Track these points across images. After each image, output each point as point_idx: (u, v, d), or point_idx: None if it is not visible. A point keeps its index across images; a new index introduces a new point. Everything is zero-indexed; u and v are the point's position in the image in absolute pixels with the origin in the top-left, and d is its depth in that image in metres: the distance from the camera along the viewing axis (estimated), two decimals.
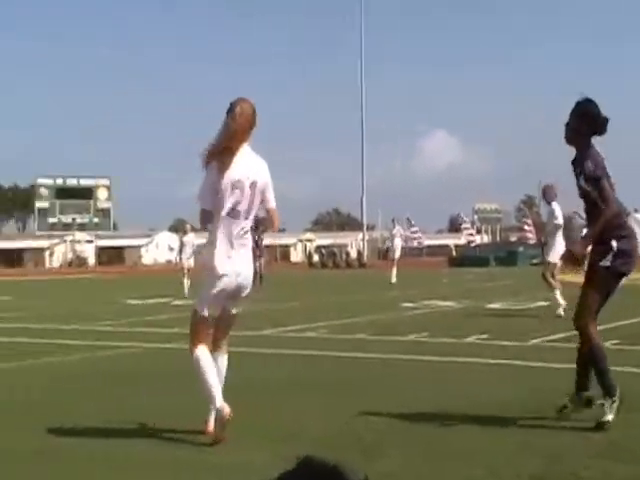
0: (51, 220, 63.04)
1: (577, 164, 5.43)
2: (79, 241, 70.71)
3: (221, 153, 5.03)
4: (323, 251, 65.66)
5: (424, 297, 18.65)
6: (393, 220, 27.91)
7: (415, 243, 58.03)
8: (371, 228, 74.77)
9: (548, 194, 13.43)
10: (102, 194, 65.20)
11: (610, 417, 5.17)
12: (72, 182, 63.99)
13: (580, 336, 5.51)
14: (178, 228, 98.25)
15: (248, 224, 5.20)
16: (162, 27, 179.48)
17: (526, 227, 48.75)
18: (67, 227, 64.35)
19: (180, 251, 22.63)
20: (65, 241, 71.46)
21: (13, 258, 75.11)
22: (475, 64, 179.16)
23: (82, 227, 65.51)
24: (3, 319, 15.30)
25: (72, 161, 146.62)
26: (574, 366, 5.63)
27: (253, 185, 5.11)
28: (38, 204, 62.85)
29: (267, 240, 29.86)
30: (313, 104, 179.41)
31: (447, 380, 7.48)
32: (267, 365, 8.69)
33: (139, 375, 8.19)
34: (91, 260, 72.49)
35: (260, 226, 6.16)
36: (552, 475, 4.30)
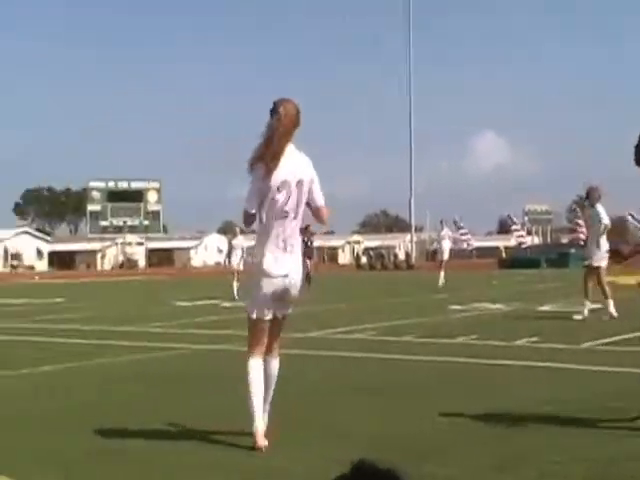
0: (103, 223, 64.07)
1: None
2: (130, 243, 71.69)
3: (266, 155, 5.02)
4: (371, 253, 65.57)
5: (473, 299, 18.46)
6: (441, 222, 27.65)
7: (464, 245, 57.53)
8: (419, 229, 74.36)
9: (592, 196, 13.19)
10: (152, 197, 66.05)
11: None
12: (123, 185, 64.97)
13: None
14: (227, 230, 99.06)
15: (297, 224, 5.16)
16: (198, 29, 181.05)
17: (578, 228, 47.97)
18: (118, 230, 65.34)
19: (229, 253, 22.67)
20: (116, 243, 72.51)
21: (66, 260, 76.48)
22: (525, 63, 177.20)
23: (133, 230, 66.46)
24: (56, 320, 15.56)
25: (123, 163, 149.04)
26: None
27: (299, 184, 5.08)
28: (90, 207, 63.95)
29: (315, 242, 29.86)
30: (361, 105, 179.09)
31: (497, 383, 7.38)
32: (314, 367, 8.68)
33: (189, 377, 8.25)
34: (141, 262, 73.43)
35: (309, 227, 6.16)
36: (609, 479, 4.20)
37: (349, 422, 5.69)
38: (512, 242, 60.62)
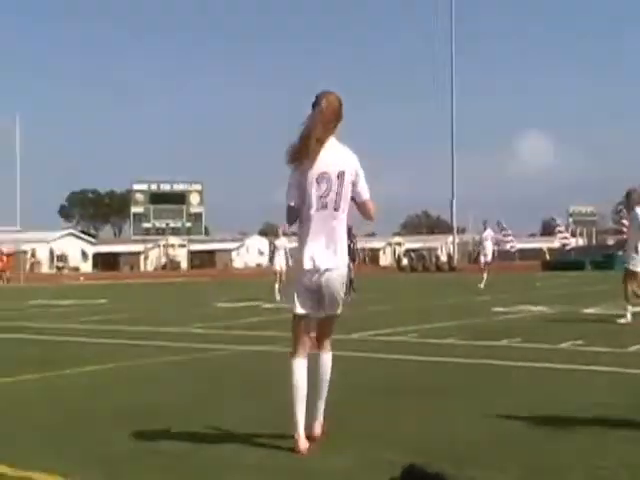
0: (146, 225, 64.72)
1: None
2: (172, 245, 72.33)
3: (305, 146, 4.89)
4: (412, 254, 65.29)
5: (516, 301, 18.27)
6: (484, 223, 27.39)
7: (507, 247, 57.02)
8: (461, 231, 73.85)
9: (631, 198, 12.90)
10: (194, 199, 66.57)
11: None
12: (166, 187, 65.56)
13: None
14: (268, 232, 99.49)
15: (339, 219, 4.98)
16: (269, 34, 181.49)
17: (624, 229, 47.24)
18: (161, 232, 65.94)
19: (272, 255, 22.59)
20: (159, 245, 73.23)
21: (110, 262, 77.47)
22: (572, 62, 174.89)
23: (175, 231, 67.02)
24: (100, 321, 15.75)
25: (166, 165, 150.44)
26: None
27: (341, 175, 4.92)
28: (134, 209, 64.64)
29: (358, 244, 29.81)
30: (402, 104, 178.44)
31: (542, 387, 7.27)
32: (355, 369, 8.64)
33: (231, 378, 8.28)
34: (183, 264, 74.05)
35: (351, 229, 6.03)
36: None
37: (390, 425, 5.65)
38: (556, 244, 59.95)
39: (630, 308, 12.80)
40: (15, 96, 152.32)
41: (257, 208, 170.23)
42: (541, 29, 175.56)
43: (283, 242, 22.05)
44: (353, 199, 5.06)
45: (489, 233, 26.76)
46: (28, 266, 60.52)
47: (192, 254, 75.31)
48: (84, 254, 78.57)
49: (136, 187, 65.16)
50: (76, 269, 69.80)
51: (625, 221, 47.40)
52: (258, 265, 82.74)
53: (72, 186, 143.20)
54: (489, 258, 25.94)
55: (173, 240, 71.21)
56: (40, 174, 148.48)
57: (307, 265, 4.97)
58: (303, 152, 4.91)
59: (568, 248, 54.20)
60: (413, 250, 72.74)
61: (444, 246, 77.05)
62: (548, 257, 55.92)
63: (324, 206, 4.93)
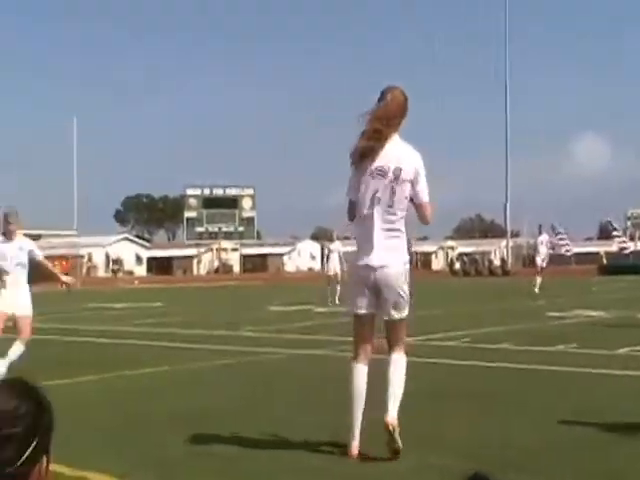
0: (199, 229, 65.41)
1: None
2: (225, 249, 72.93)
3: (369, 141, 4.79)
4: (465, 258, 64.71)
5: (572, 306, 17.97)
6: (540, 227, 26.97)
7: (562, 250, 56.13)
8: (515, 235, 72.92)
9: None
10: (247, 203, 67.05)
11: None
12: (218, 192, 66.16)
13: None
14: (320, 236, 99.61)
15: (395, 217, 4.84)
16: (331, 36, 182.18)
17: None
18: (213, 236, 66.57)
19: (327, 259, 22.35)
20: (212, 249, 73.91)
21: (164, 266, 78.43)
22: (631, 61, 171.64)
23: (228, 236, 67.61)
24: (155, 324, 15.96)
25: (219, 170, 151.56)
26: None
27: (397, 173, 4.79)
28: (187, 214, 65.41)
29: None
30: (455, 107, 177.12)
31: (598, 394, 7.14)
32: (408, 374, 8.58)
33: (285, 381, 8.30)
34: (236, 268, 74.60)
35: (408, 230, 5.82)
36: None
37: (443, 429, 5.61)
38: (613, 248, 58.77)
39: None
40: (70, 100, 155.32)
41: (309, 212, 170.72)
42: (605, 28, 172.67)
43: (337, 246, 21.92)
44: (412, 200, 4.92)
45: (544, 237, 26.39)
46: (84, 270, 61.65)
47: (244, 258, 75.82)
48: (138, 258, 79.71)
49: (189, 192, 65.88)
50: (131, 273, 70.87)
51: None
52: (310, 269, 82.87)
53: (127, 191, 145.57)
54: (544, 262, 25.58)
55: (226, 244, 71.82)
56: (96, 179, 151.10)
57: (361, 262, 4.89)
58: (366, 147, 4.80)
59: (626, 252, 53.10)
60: (466, 254, 72.08)
61: (497, 250, 76.20)
62: (605, 261, 54.89)
63: (379, 203, 4.81)
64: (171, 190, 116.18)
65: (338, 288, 20.94)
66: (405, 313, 5.02)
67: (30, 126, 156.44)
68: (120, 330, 14.74)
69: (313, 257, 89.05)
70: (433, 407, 6.55)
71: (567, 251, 56.85)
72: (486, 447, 5.09)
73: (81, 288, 41.58)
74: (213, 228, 66.20)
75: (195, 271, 76.85)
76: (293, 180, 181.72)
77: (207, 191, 66.36)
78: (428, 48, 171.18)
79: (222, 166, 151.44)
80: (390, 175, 4.81)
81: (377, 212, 4.84)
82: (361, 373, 4.97)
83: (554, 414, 6.10)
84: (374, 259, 4.84)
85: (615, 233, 55.64)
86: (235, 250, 74.98)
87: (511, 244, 61.54)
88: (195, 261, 77.74)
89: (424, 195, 4.90)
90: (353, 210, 4.98)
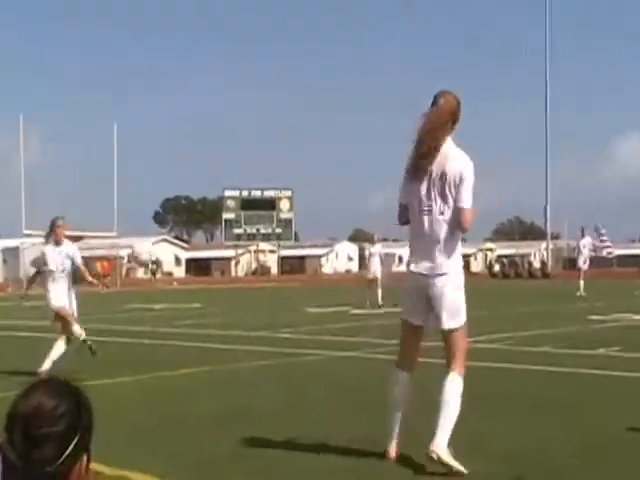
0: (237, 231, 65.72)
1: None
2: (263, 251, 73.18)
3: (421, 145, 4.73)
4: (504, 261, 64.13)
5: (614, 310, 17.70)
6: (582, 229, 26.58)
7: (604, 253, 55.32)
8: (556, 237, 72.11)
9: None
10: (284, 205, 67.20)
11: None
12: (256, 194, 66.40)
13: None
14: (358, 238, 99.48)
15: (444, 222, 4.72)
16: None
17: None
18: (251, 237, 66.82)
19: (368, 261, 22.12)
20: (249, 251, 74.21)
21: (202, 267, 78.99)
22: None
23: (266, 237, 67.82)
24: (193, 325, 16.06)
25: (257, 172, 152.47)
26: None
27: (443, 176, 4.69)
28: (225, 215, 65.74)
29: None
30: (494, 108, 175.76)
31: None
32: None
33: (323, 383, 8.28)
34: (274, 269, 74.83)
35: None
36: None
37: (485, 434, 5.54)
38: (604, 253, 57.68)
39: None
40: (112, 104, 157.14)
41: (347, 214, 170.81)
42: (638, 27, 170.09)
43: (378, 248, 21.77)
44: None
45: (587, 239, 26.06)
46: (124, 271, 62.30)
47: (282, 259, 76.01)
48: (177, 259, 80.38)
49: (227, 194, 66.19)
50: (169, 274, 71.46)
51: None
52: (347, 271, 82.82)
53: (166, 193, 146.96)
54: (586, 265, 25.26)
55: (263, 246, 72.08)
56: (136, 181, 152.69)
57: (412, 269, 4.82)
58: (418, 152, 4.74)
59: (610, 256, 52.13)
60: (505, 256, 71.46)
61: (537, 252, 75.44)
62: None
63: (428, 207, 4.74)
64: (210, 192, 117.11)
65: (379, 292, 20.77)
66: (457, 324, 4.80)
67: (73, 129, 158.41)
68: (159, 331, 14.85)
69: (350, 259, 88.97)
70: (474, 411, 6.47)
71: (609, 253, 55.99)
72: (527, 452, 5.02)
73: (120, 289, 42.05)
74: (251, 229, 66.42)
75: (233, 272, 77.24)
76: (331, 181, 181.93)
77: (245, 193, 66.62)
78: (470, 51, 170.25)
79: (259, 168, 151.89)
80: (437, 180, 4.72)
81: (427, 218, 4.76)
82: (401, 380, 4.91)
83: (596, 419, 6.00)
84: (424, 266, 4.76)
85: (602, 238, 54.40)
86: (273, 252, 75.20)
87: (551, 246, 60.83)
88: (233, 262, 78.14)
89: (463, 201, 4.71)
90: (403, 214, 4.92)
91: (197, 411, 6.68)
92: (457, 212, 4.72)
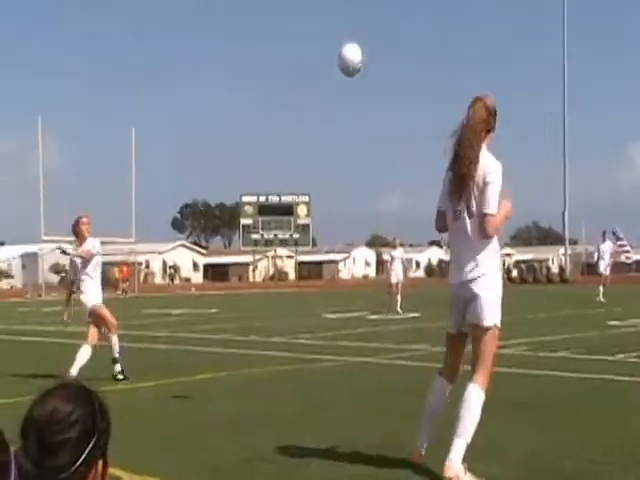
0: (254, 236, 65.85)
1: None
2: (280, 256, 73.30)
3: (454, 152, 4.71)
4: (522, 266, 63.84)
5: (633, 315, 17.57)
6: (604, 233, 26.31)
7: (623, 258, 54.95)
8: (574, 242, 71.68)
9: None
10: (302, 210, 67.24)
11: None
12: (274, 199, 66.49)
13: None
14: (375, 243, 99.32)
15: (467, 226, 4.66)
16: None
17: None
18: (269, 243, 66.92)
19: (390, 265, 21.67)
20: (267, 256, 74.33)
21: (220, 273, 79.20)
22: None
23: (283, 243, 67.90)
24: (211, 331, 16.10)
25: (274, 178, 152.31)
26: None
27: (471, 181, 4.64)
28: (243, 221, 65.87)
29: None
30: (510, 110, 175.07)
31: None
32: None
33: (341, 388, 8.29)
34: (291, 275, 74.91)
35: None
36: None
37: (503, 439, 5.53)
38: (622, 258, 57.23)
39: None
40: (130, 109, 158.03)
41: (364, 219, 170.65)
42: None
43: (399, 253, 21.67)
44: None
45: (608, 244, 25.85)
46: (142, 277, 62.58)
47: (300, 265, 76.10)
48: (195, 265, 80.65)
49: (245, 199, 66.35)
50: (187, 280, 71.71)
51: None
52: (364, 276, 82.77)
53: (184, 199, 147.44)
54: (607, 270, 25.03)
55: (281, 251, 72.18)
56: (154, 186, 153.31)
57: (450, 278, 4.84)
58: (457, 168, 4.70)
59: (629, 261, 51.69)
60: (523, 261, 71.15)
61: (555, 258, 75.05)
62: None
63: (459, 213, 4.71)
64: (227, 197, 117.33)
65: (399, 297, 20.68)
66: (487, 322, 4.65)
67: (90, 134, 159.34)
68: (177, 336, 14.91)
69: (368, 264, 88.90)
70: (492, 417, 6.46)
71: (627, 258, 55.64)
72: (543, 457, 5.01)
73: (138, 294, 42.23)
74: (269, 235, 66.49)
75: (251, 278, 77.39)
76: (349, 186, 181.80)
77: (262, 198, 66.75)
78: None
79: (276, 173, 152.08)
80: (466, 186, 4.67)
81: (459, 224, 4.74)
82: (438, 386, 4.91)
83: (614, 424, 5.98)
84: (457, 275, 4.75)
85: (620, 242, 53.99)
86: (290, 257, 75.30)
87: (569, 251, 60.48)
88: (251, 268, 78.28)
89: (486, 206, 4.62)
90: (440, 220, 4.91)
91: (215, 416, 6.71)
92: (481, 218, 4.63)
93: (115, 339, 9.18)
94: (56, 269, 49.38)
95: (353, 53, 5.34)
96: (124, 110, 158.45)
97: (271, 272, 73.52)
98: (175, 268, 66.23)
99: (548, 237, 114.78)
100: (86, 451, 1.68)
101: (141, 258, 63.22)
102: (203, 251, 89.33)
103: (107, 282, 9.88)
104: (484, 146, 4.73)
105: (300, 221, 67.95)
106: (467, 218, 4.67)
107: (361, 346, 12.30)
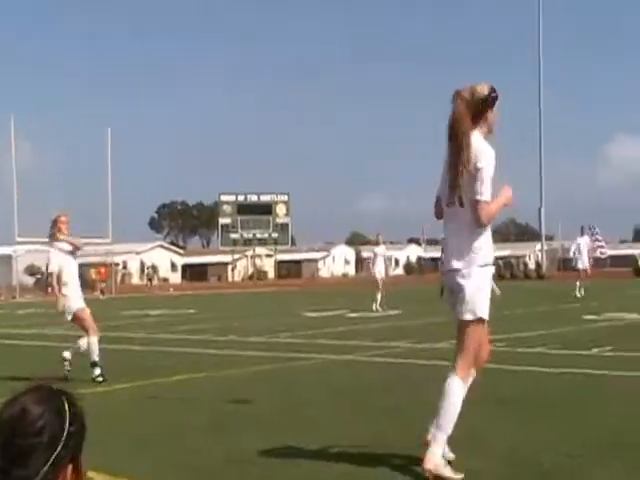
0: (233, 236, 65.68)
1: None
2: (259, 256, 73.19)
3: (450, 138, 4.65)
4: (500, 262, 64.20)
5: (608, 309, 17.75)
6: (582, 228, 26.38)
7: (597, 253, 55.39)
8: (550, 238, 72.22)
9: None
10: (281, 210, 67.19)
11: None
12: (253, 198, 66.37)
13: None
14: (354, 241, 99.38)
15: (459, 214, 4.61)
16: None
17: None
18: (248, 242, 66.79)
19: (372, 263, 21.62)
20: (246, 256, 74.19)
21: (198, 273, 78.95)
22: None
23: (262, 242, 67.80)
24: (189, 331, 16.06)
25: (253, 177, 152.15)
26: None
27: (462, 169, 4.56)
28: (221, 220, 65.68)
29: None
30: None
31: (633, 398, 7.04)
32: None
33: (323, 387, 8.31)
34: (270, 274, 74.81)
35: None
36: None
37: (482, 434, 5.57)
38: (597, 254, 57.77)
39: None
40: (106, 110, 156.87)
41: (343, 218, 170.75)
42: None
43: (382, 250, 21.70)
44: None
45: (585, 239, 25.94)
46: (119, 278, 62.23)
47: (279, 264, 76.02)
48: (173, 265, 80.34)
49: (223, 198, 66.16)
50: (165, 280, 71.39)
51: None
52: (344, 275, 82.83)
53: (162, 199, 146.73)
54: (585, 265, 25.08)
55: (260, 250, 72.06)
56: (131, 186, 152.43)
57: (442, 266, 4.79)
58: (448, 145, 4.67)
59: (603, 256, 52.23)
60: (501, 258, 71.57)
61: (532, 254, 75.55)
62: None
63: (452, 201, 4.65)
64: (205, 197, 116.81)
65: (379, 296, 20.72)
66: (471, 316, 4.60)
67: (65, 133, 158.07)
68: (155, 337, 14.85)
69: (347, 262, 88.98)
70: (469, 411, 6.50)
71: (602, 253, 56.08)
72: (522, 451, 5.06)
73: (116, 295, 41.99)
74: (247, 234, 66.36)
75: (230, 278, 77.18)
76: (327, 185, 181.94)
77: (241, 197, 66.61)
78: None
79: (255, 172, 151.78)
80: (456, 173, 4.59)
81: (451, 212, 4.68)
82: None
83: (590, 417, 6.04)
84: (448, 262, 4.68)
85: (596, 237, 54.51)
86: (269, 256, 75.19)
87: (546, 247, 60.89)
88: (230, 267, 78.08)
89: (476, 193, 4.51)
90: (437, 208, 4.85)
91: (194, 417, 6.69)
92: (473, 205, 4.55)
93: (95, 342, 9.14)
94: (31, 271, 49.00)
95: None
96: (101, 108, 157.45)
97: (250, 271, 73.41)
98: (154, 268, 65.92)
99: (525, 233, 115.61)
100: (54, 455, 1.64)
101: (118, 259, 62.87)
102: (181, 251, 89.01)
103: (85, 284, 9.83)
104: (477, 133, 4.65)
105: (279, 220, 67.90)
106: (458, 206, 4.61)
107: (341, 344, 12.32)
